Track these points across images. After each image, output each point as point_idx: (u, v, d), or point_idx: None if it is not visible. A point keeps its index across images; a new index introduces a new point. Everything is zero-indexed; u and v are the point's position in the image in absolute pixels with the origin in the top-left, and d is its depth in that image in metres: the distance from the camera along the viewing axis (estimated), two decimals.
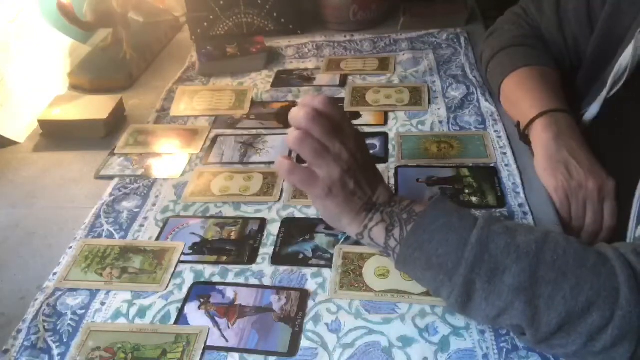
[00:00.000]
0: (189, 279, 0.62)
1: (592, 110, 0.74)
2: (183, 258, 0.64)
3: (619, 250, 0.48)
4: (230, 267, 0.63)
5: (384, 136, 0.82)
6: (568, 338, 0.46)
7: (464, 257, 0.48)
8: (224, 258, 0.64)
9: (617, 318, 0.44)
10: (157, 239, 0.67)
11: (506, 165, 0.74)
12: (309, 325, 0.55)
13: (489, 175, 0.72)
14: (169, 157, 0.82)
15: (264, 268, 0.62)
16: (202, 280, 0.62)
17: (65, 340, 0.56)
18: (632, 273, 0.45)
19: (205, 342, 0.54)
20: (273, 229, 0.67)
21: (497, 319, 0.48)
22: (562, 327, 0.45)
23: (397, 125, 0.84)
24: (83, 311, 0.59)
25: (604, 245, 0.50)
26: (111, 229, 0.69)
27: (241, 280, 0.61)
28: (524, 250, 0.47)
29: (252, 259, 0.63)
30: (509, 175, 0.72)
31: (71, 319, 0.58)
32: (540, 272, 0.46)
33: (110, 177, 0.79)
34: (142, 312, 0.58)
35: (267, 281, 0.61)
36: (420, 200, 0.56)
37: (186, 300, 0.59)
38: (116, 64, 1.05)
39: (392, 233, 0.53)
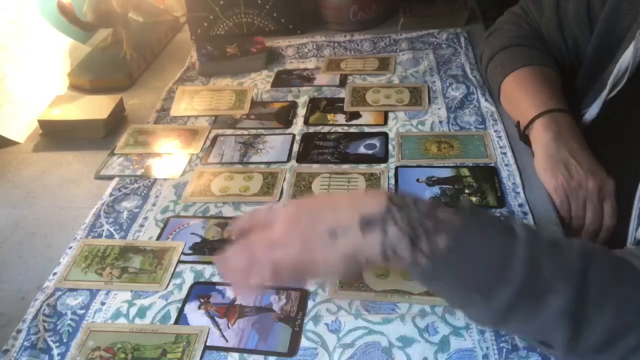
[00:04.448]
0: (189, 279, 0.62)
1: (592, 111, 0.74)
2: (183, 258, 0.64)
3: None
4: None
5: (384, 136, 0.82)
6: (600, 357, 0.44)
7: (510, 280, 0.42)
8: None
9: None
10: (158, 239, 0.67)
11: (506, 165, 0.74)
12: (309, 325, 0.55)
13: (489, 175, 0.72)
14: (169, 157, 0.82)
15: None
16: (202, 280, 0.62)
17: (65, 340, 0.56)
18: None
19: (205, 342, 0.54)
20: None
21: (527, 334, 0.46)
22: (599, 348, 0.43)
23: (397, 125, 0.84)
24: (83, 311, 0.59)
25: (627, 253, 0.47)
26: (111, 229, 0.69)
27: None
28: (574, 269, 0.43)
29: None
30: (509, 175, 0.72)
31: (71, 319, 0.58)
32: (590, 296, 0.42)
33: (110, 177, 0.79)
34: (142, 312, 0.58)
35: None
36: (438, 203, 0.47)
37: (186, 300, 0.59)
38: (116, 64, 1.05)
39: (420, 246, 0.44)
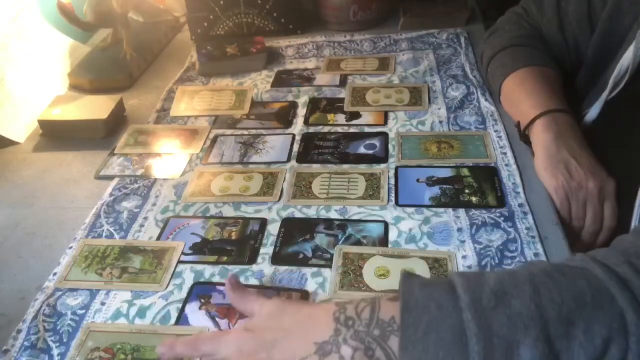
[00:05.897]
0: (188, 279, 0.62)
1: (592, 112, 0.73)
2: (183, 258, 0.64)
3: (606, 264, 0.45)
4: (230, 267, 0.63)
5: (384, 136, 0.82)
6: None
7: (473, 351, 0.42)
8: (225, 258, 0.64)
9: (633, 345, 0.41)
10: (158, 239, 0.67)
11: (506, 165, 0.74)
12: None
13: (489, 175, 0.72)
14: (169, 157, 0.82)
15: (264, 268, 0.62)
16: (202, 280, 0.61)
17: (65, 340, 0.56)
18: (631, 295, 0.42)
19: None
20: (273, 229, 0.67)
21: None
22: None
23: (397, 125, 0.84)
24: (83, 311, 0.59)
25: (585, 260, 0.46)
26: (111, 229, 0.69)
27: (241, 280, 0.61)
28: (527, 316, 0.42)
29: (252, 259, 0.63)
30: (509, 175, 0.72)
31: (71, 319, 0.58)
32: (551, 331, 0.42)
33: (110, 177, 0.79)
34: (142, 312, 0.58)
35: (267, 281, 0.61)
36: (375, 302, 0.47)
37: (186, 300, 0.59)
38: (116, 64, 1.05)
39: (377, 357, 0.45)
